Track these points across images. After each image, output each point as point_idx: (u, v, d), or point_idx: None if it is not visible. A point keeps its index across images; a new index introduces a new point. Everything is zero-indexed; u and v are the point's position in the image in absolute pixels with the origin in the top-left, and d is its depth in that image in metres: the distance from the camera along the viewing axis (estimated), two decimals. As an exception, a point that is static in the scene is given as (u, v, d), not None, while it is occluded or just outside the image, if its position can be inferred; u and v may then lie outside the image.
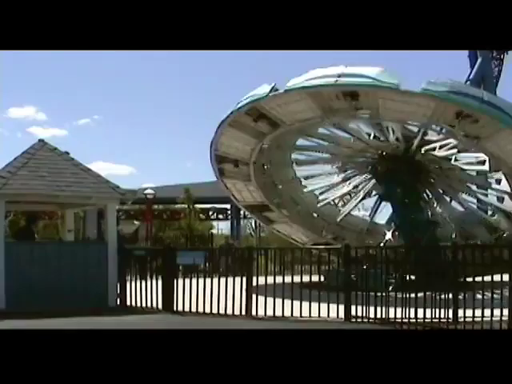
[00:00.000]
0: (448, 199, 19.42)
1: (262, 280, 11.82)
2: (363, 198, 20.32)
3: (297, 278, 11.63)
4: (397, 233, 17.09)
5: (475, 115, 13.65)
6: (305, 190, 20.58)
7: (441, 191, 19.06)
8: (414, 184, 17.51)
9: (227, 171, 18.95)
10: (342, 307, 10.82)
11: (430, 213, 19.17)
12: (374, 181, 18.96)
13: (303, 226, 20.36)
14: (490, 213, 19.89)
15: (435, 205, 19.30)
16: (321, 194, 20.77)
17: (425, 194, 18.76)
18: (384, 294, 10.44)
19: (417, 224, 16.64)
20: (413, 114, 14.56)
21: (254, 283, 11.71)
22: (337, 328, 9.31)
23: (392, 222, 18.16)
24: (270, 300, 11.25)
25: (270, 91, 15.08)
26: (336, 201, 21.39)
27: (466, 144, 15.86)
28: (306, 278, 11.42)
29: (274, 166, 19.39)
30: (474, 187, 19.06)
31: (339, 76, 14.15)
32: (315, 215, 20.70)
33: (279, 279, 11.66)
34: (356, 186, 20.06)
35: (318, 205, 20.51)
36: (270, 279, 12.02)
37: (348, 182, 20.07)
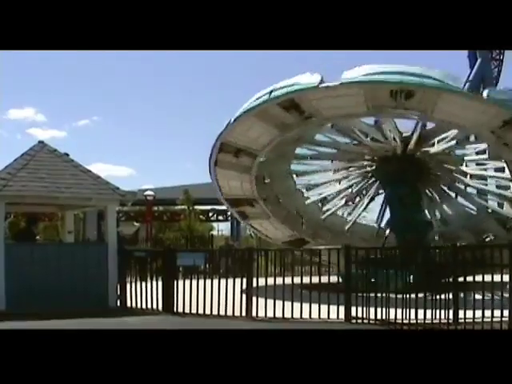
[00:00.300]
0: (453, 195, 19.28)
1: (262, 281, 11.82)
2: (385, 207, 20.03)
3: (297, 280, 11.63)
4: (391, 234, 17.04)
5: (403, 89, 13.62)
6: (324, 215, 20.11)
7: (444, 188, 18.95)
8: (415, 183, 17.44)
9: (248, 213, 18.93)
10: (342, 308, 10.82)
11: (435, 212, 19.17)
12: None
13: None
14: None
15: (439, 202, 19.23)
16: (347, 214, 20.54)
17: (428, 192, 18.72)
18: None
19: (416, 224, 16.62)
20: (351, 107, 14.58)
21: (254, 284, 11.69)
22: (337, 328, 9.28)
23: (389, 223, 18.02)
24: (270, 301, 11.23)
25: (227, 125, 15.50)
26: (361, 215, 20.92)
27: (425, 121, 15.85)
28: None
29: (284, 196, 19.25)
30: (471, 169, 18.94)
31: (271, 91, 14.51)
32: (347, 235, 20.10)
33: (279, 280, 11.65)
34: (373, 198, 19.80)
35: (347, 226, 20.05)
36: (271, 280, 12.02)
37: (367, 196, 19.85)
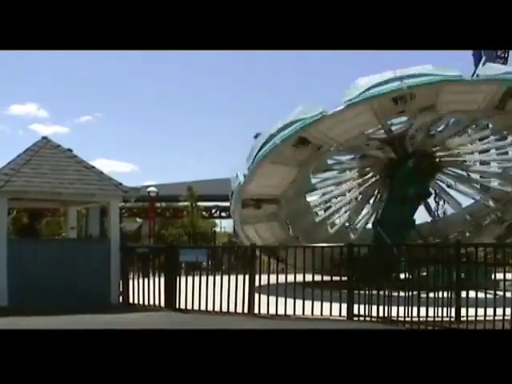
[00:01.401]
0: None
1: (264, 278, 11.81)
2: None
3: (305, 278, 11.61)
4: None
5: (404, 94, 13.78)
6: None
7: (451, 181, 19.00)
8: (429, 181, 17.41)
9: (246, 216, 17.50)
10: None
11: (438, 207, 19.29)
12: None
13: None
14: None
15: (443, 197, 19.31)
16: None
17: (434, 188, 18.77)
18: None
19: (407, 223, 16.64)
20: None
21: (257, 281, 11.69)
22: (339, 328, 9.28)
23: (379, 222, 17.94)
24: (272, 298, 11.23)
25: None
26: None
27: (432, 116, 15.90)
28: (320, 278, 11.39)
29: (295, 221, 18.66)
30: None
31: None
32: None
33: (282, 278, 11.64)
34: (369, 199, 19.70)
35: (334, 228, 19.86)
36: (273, 277, 12.01)
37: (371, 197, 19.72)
